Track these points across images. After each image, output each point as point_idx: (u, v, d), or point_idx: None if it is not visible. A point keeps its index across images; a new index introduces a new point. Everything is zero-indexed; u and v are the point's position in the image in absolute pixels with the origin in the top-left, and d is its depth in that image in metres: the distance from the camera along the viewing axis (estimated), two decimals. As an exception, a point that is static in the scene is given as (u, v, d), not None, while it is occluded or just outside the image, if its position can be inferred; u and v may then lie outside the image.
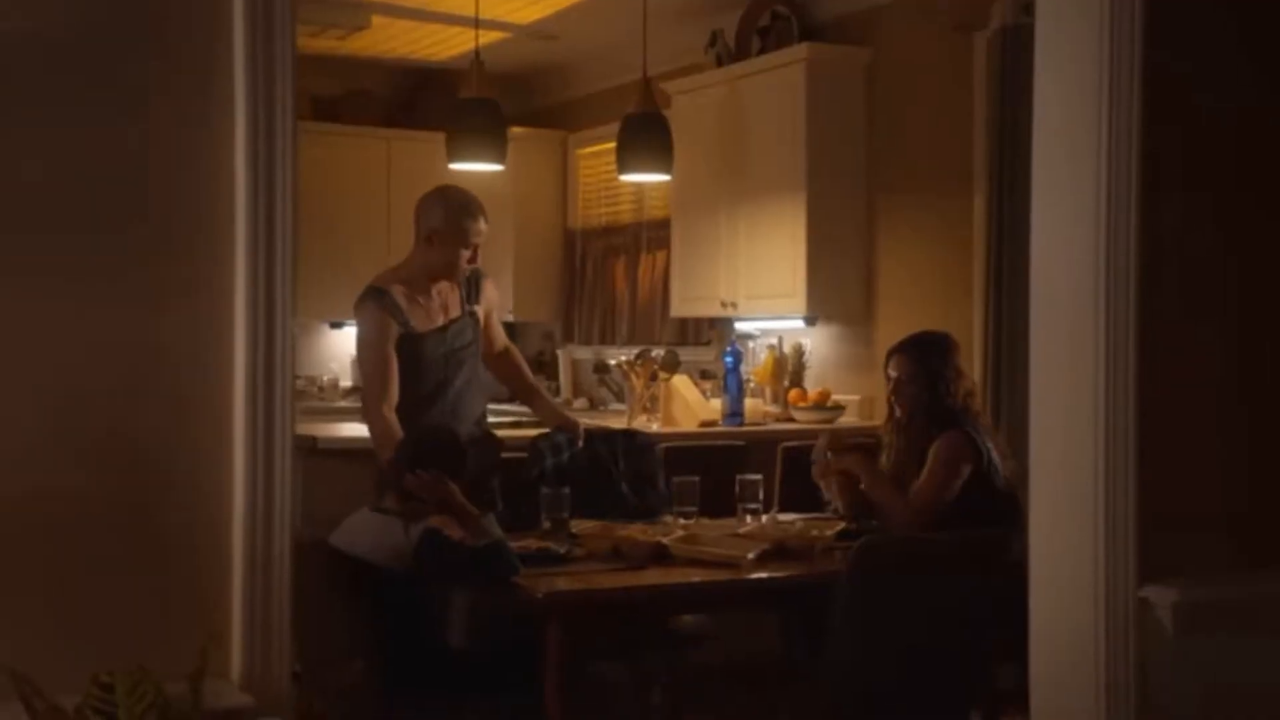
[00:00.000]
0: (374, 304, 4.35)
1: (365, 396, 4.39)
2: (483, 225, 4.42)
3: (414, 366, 4.32)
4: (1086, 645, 2.74)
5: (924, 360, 4.09)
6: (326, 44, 7.73)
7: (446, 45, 7.89)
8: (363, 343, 4.42)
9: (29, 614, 2.04)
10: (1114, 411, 2.71)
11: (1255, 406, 2.96)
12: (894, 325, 5.67)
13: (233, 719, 2.07)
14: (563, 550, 3.75)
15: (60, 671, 1.91)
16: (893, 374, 4.15)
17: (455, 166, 5.72)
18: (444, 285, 4.45)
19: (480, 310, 4.56)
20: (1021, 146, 5.12)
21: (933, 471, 3.95)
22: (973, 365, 5.25)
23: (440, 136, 5.79)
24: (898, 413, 4.16)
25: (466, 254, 4.39)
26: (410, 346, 4.32)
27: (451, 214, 4.38)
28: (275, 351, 2.17)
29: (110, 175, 2.09)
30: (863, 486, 4.07)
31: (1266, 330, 2.98)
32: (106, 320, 2.09)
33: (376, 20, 7.35)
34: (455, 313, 4.47)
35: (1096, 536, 2.73)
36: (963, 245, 5.79)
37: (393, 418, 4.20)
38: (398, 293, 4.35)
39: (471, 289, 4.54)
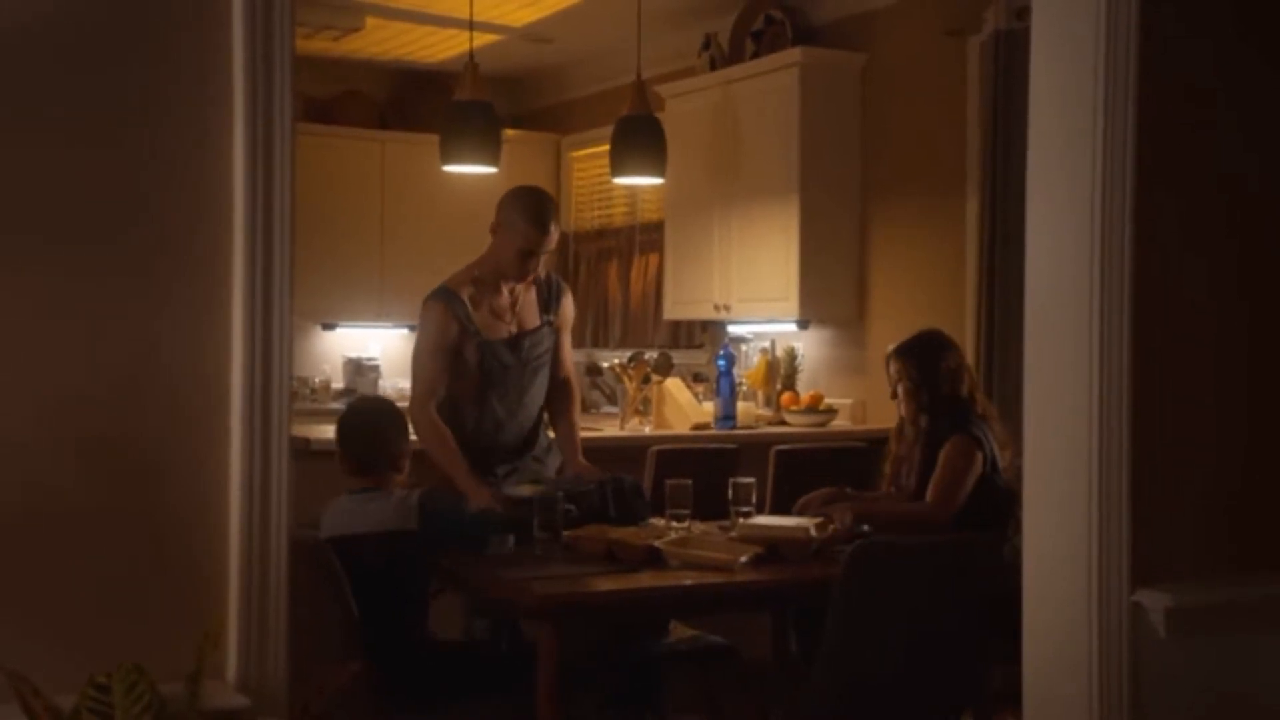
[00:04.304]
0: (440, 305, 4.21)
1: (412, 398, 4.25)
2: (543, 233, 4.19)
3: (493, 373, 4.23)
4: (1080, 649, 2.74)
5: (915, 361, 4.23)
6: (320, 45, 7.73)
7: (441, 47, 7.89)
8: (420, 343, 4.28)
9: (26, 614, 2.04)
10: (1108, 416, 2.72)
11: (1252, 410, 2.97)
12: (886, 329, 5.68)
13: (229, 720, 2.08)
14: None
15: (57, 672, 1.91)
16: (891, 377, 4.29)
17: (449, 169, 5.72)
18: (518, 288, 4.29)
19: (557, 322, 4.41)
20: (1014, 151, 5.18)
21: (940, 476, 4.07)
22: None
23: (434, 138, 5.77)
24: (904, 413, 4.29)
25: (529, 260, 4.19)
26: (489, 354, 4.21)
27: (512, 211, 4.21)
28: (273, 353, 2.17)
29: (109, 177, 2.09)
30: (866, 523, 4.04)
31: (1265, 336, 2.98)
32: (104, 321, 2.09)
33: (370, 21, 7.35)
34: (533, 322, 4.33)
35: (1089, 541, 2.73)
36: (956, 249, 5.80)
37: (435, 414, 4.13)
38: (466, 295, 4.21)
39: (552, 299, 4.39)
